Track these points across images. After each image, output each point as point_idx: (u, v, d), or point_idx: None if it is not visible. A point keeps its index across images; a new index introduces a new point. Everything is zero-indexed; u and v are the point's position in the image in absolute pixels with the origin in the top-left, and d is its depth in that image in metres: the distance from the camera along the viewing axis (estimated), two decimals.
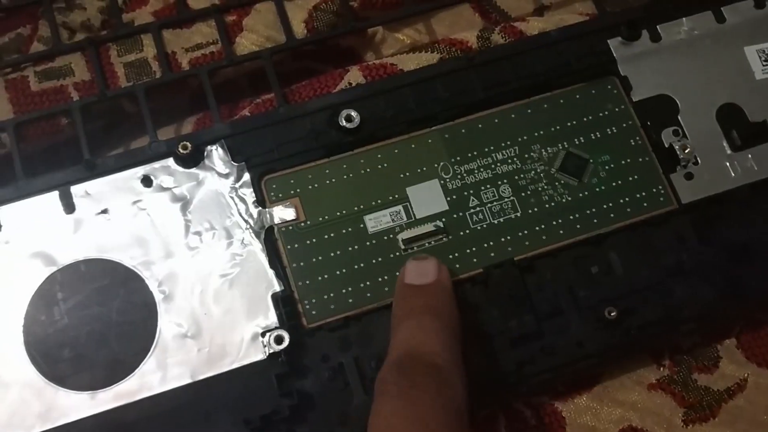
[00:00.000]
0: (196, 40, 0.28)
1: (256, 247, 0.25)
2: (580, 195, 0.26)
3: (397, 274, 0.25)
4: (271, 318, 0.25)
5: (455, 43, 0.28)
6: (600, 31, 0.28)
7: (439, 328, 0.22)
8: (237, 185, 0.26)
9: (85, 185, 0.26)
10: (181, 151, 0.26)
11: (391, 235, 0.26)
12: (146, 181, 0.26)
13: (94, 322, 0.25)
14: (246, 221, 0.26)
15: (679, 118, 0.27)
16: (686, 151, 0.27)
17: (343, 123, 0.26)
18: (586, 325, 0.25)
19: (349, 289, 0.25)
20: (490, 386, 0.24)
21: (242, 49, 0.28)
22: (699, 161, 0.27)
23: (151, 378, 0.24)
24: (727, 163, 0.27)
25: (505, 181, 0.26)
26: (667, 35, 0.28)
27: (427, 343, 0.21)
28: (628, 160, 0.27)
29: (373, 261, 0.25)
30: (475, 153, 0.27)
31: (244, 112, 0.28)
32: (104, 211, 0.26)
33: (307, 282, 0.25)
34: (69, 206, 0.26)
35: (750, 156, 0.27)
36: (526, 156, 0.27)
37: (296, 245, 0.25)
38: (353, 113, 0.26)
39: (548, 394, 0.26)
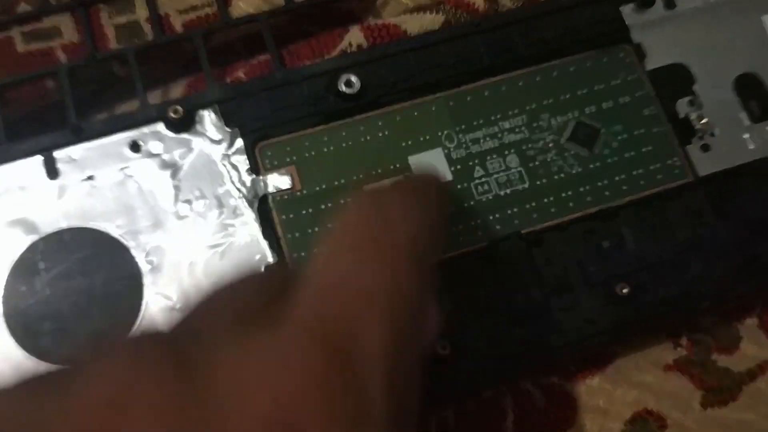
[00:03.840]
0: (191, 2, 0.27)
1: (249, 216, 0.24)
2: (591, 166, 0.25)
3: None
4: None
5: (461, 4, 0.27)
6: None
7: None
8: (230, 152, 0.25)
9: (70, 150, 0.25)
10: (173, 115, 0.24)
11: None
12: (134, 146, 0.25)
13: (77, 293, 0.23)
14: (239, 189, 0.24)
15: (694, 88, 0.26)
16: (702, 122, 0.25)
17: (343, 88, 0.25)
18: (596, 302, 0.24)
19: None
20: (494, 364, 0.23)
21: (238, 11, 0.27)
22: (716, 133, 0.26)
23: None
24: (746, 135, 0.26)
25: (512, 150, 0.25)
26: (681, 2, 0.27)
27: None
28: (642, 131, 0.26)
29: None
30: (480, 121, 0.25)
31: (239, 74, 0.27)
32: (90, 178, 0.25)
33: (302, 254, 0.24)
34: (52, 172, 0.24)
35: None
36: (535, 125, 0.25)
37: (291, 215, 0.24)
38: (353, 78, 0.25)
39: (558, 374, 0.25)
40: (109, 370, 0.13)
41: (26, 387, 0.14)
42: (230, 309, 0.16)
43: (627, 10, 0.27)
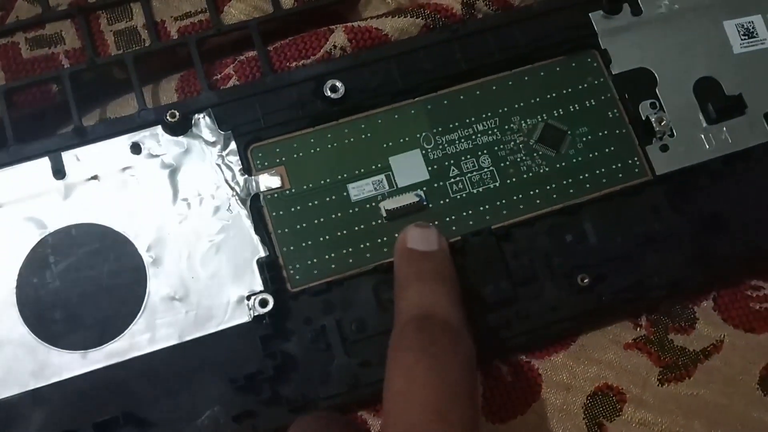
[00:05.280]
0: (185, 9, 0.29)
1: (242, 213, 0.26)
2: (558, 166, 0.27)
3: (380, 240, 0.26)
4: (256, 282, 0.25)
5: (440, 9, 0.28)
6: (582, 4, 0.29)
7: (448, 291, 0.23)
8: (224, 153, 0.27)
9: (76, 151, 0.26)
10: (169, 119, 0.26)
11: (374, 204, 0.26)
12: (135, 148, 0.27)
13: (85, 284, 0.25)
14: (232, 188, 0.26)
15: (656, 91, 0.28)
16: (662, 124, 0.27)
17: (328, 93, 0.27)
18: (559, 291, 0.26)
19: (332, 254, 0.26)
20: None
21: (230, 18, 0.28)
22: (675, 133, 0.28)
23: (141, 338, 0.25)
24: (702, 136, 0.28)
25: (485, 151, 0.27)
26: (647, 9, 0.29)
27: (440, 304, 0.22)
28: (605, 132, 0.27)
29: (356, 228, 0.26)
30: (456, 124, 0.27)
31: (228, 70, 0.28)
32: (94, 177, 0.26)
33: (292, 248, 0.26)
34: (60, 172, 0.26)
35: (725, 129, 0.28)
36: (506, 127, 0.27)
37: (281, 212, 0.26)
38: (338, 84, 0.27)
39: (525, 352, 0.26)
40: None
41: None
42: None
43: (596, 17, 0.29)
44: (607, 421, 0.26)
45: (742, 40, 0.29)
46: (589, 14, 0.28)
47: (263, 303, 0.25)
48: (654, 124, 0.27)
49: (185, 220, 0.26)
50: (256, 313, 0.25)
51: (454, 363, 0.20)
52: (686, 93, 0.28)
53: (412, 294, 0.23)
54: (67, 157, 0.26)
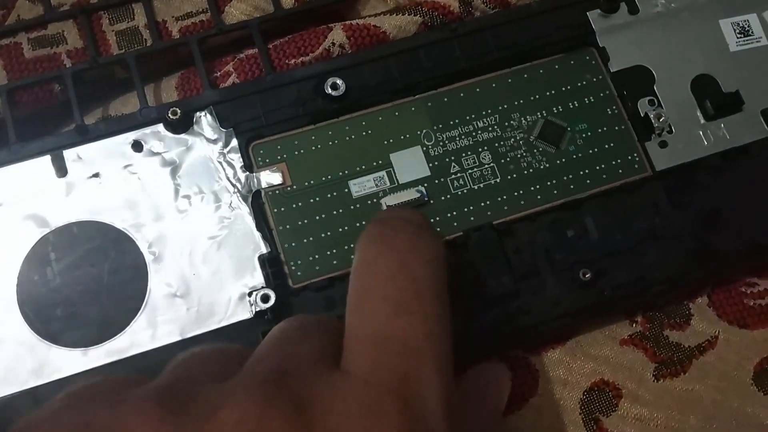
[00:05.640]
0: (186, 9, 0.29)
1: (244, 210, 0.26)
2: (558, 162, 0.27)
3: None
4: (258, 278, 0.25)
5: (438, 7, 0.29)
6: (580, 3, 0.29)
7: None
8: (225, 150, 0.27)
9: (77, 149, 0.26)
10: (171, 117, 0.26)
11: (375, 200, 0.26)
12: (137, 146, 0.27)
13: (86, 281, 0.25)
14: (234, 185, 0.26)
15: (655, 88, 0.28)
16: (661, 120, 0.28)
17: (329, 91, 0.27)
18: (561, 286, 0.26)
19: (334, 251, 0.26)
20: (468, 343, 0.25)
21: (231, 18, 0.29)
22: (673, 130, 0.28)
23: (142, 335, 0.25)
24: (700, 132, 0.28)
25: (485, 148, 0.27)
26: (644, 8, 0.29)
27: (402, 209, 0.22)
28: (605, 129, 0.28)
29: (357, 224, 0.26)
30: (456, 121, 0.28)
31: (228, 68, 0.28)
32: (96, 175, 0.26)
33: (293, 244, 0.26)
34: (61, 170, 0.26)
35: (722, 125, 0.28)
36: (506, 124, 0.28)
37: (283, 209, 0.26)
38: (339, 81, 0.27)
39: (527, 346, 0.27)
40: (243, 414, 0.15)
41: (165, 407, 0.15)
42: (305, 350, 0.17)
43: (594, 15, 0.29)
44: (603, 417, 0.26)
45: (738, 38, 0.29)
46: (587, 13, 0.29)
47: (265, 298, 0.25)
48: (653, 121, 0.28)
49: (186, 217, 0.26)
50: (257, 309, 0.25)
51: (419, 258, 0.19)
52: (684, 90, 0.28)
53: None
54: (69, 155, 0.26)
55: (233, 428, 0.15)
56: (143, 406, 0.15)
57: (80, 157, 0.26)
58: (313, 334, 0.18)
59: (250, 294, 0.25)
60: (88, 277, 0.25)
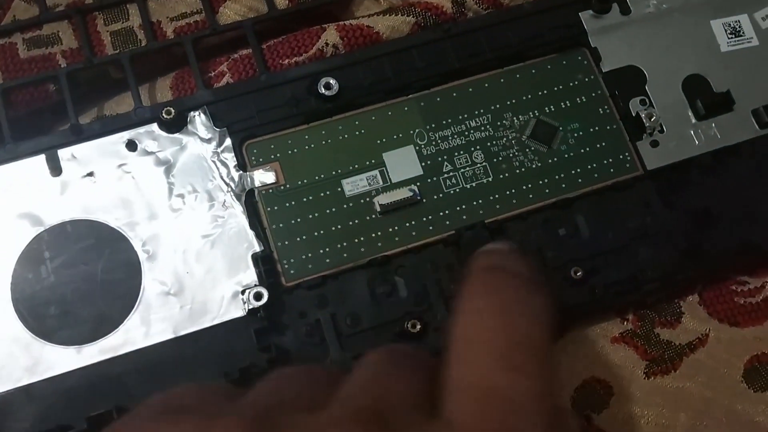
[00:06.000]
0: (181, 10, 0.29)
1: (237, 209, 0.26)
2: (550, 161, 0.27)
3: (374, 235, 0.26)
4: (251, 277, 0.26)
5: (431, 7, 0.29)
6: (572, 3, 0.29)
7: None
8: (219, 150, 0.27)
9: (72, 149, 0.27)
10: (165, 116, 0.26)
11: (368, 199, 0.27)
12: (131, 145, 0.27)
13: (80, 280, 0.25)
14: (227, 184, 0.27)
15: (646, 88, 0.28)
16: (652, 120, 0.28)
17: (323, 91, 0.27)
18: (553, 285, 0.26)
19: (327, 249, 0.26)
20: None
21: (225, 18, 0.29)
22: (664, 129, 0.28)
23: (135, 333, 0.25)
24: (692, 132, 0.28)
25: (477, 147, 0.27)
26: (636, 8, 0.29)
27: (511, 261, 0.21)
28: (597, 128, 0.28)
29: (350, 223, 0.26)
30: (449, 120, 0.28)
31: (222, 68, 0.28)
32: (90, 174, 0.27)
33: (286, 242, 0.26)
34: (56, 169, 0.26)
35: (713, 125, 0.28)
36: (499, 123, 0.28)
37: (276, 207, 0.26)
38: (332, 81, 0.27)
39: None
40: None
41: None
42: (401, 388, 0.17)
43: (586, 16, 0.29)
44: (594, 414, 0.26)
45: (729, 38, 0.29)
46: (579, 13, 0.29)
47: (258, 296, 0.25)
48: (644, 120, 0.28)
49: (180, 215, 0.26)
50: (250, 307, 0.25)
51: (529, 314, 0.18)
52: (675, 90, 0.29)
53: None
54: (63, 154, 0.26)
55: None
56: (236, 430, 0.15)
57: (75, 156, 0.27)
58: (407, 371, 0.18)
59: (243, 292, 0.25)
60: (82, 276, 0.25)
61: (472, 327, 0.18)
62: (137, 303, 0.25)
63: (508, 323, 0.18)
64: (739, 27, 0.29)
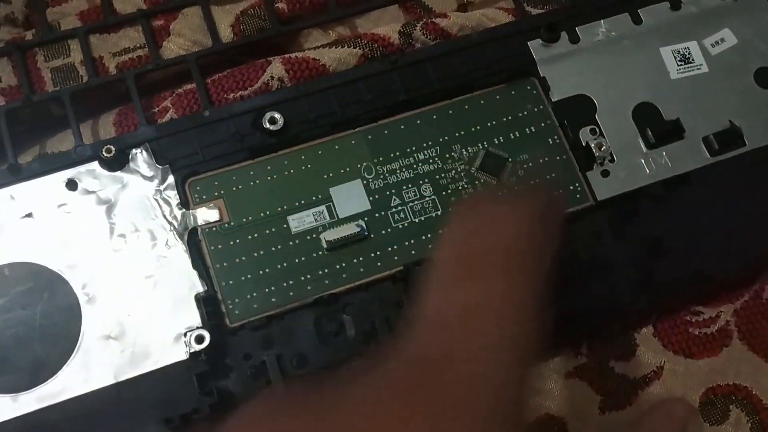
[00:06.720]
0: (124, 45, 0.29)
1: (180, 248, 0.26)
2: (500, 194, 0.27)
3: (320, 272, 0.26)
4: (194, 318, 0.25)
5: (377, 39, 0.28)
6: (520, 33, 0.29)
7: None
8: (161, 188, 0.26)
9: (10, 189, 0.26)
10: (105, 154, 0.26)
11: (314, 235, 0.26)
12: (71, 184, 0.26)
13: (17, 325, 0.25)
14: (170, 223, 0.26)
15: (596, 117, 0.28)
16: (602, 149, 0.27)
17: (267, 125, 0.27)
18: None
19: (272, 288, 0.25)
20: None
21: (169, 53, 0.28)
22: (615, 159, 0.28)
23: (74, 379, 0.24)
24: (642, 161, 0.28)
25: (426, 180, 0.27)
26: (585, 37, 0.29)
27: None
28: (546, 159, 0.28)
29: (296, 260, 0.26)
30: (397, 153, 0.27)
31: (166, 103, 0.28)
32: (29, 215, 0.26)
33: (231, 282, 0.25)
34: None
35: (664, 153, 0.28)
36: (447, 156, 0.27)
37: (220, 246, 0.26)
38: (277, 115, 0.27)
39: None
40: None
41: None
42: None
43: (535, 45, 0.29)
44: None
45: (678, 65, 0.29)
46: (528, 43, 0.29)
47: (199, 339, 0.24)
48: (594, 150, 0.27)
49: (122, 256, 0.26)
50: (192, 350, 0.24)
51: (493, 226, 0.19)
52: (625, 119, 0.28)
53: None
54: (1, 194, 0.26)
55: None
56: None
57: (13, 197, 0.26)
58: None
59: (185, 334, 0.25)
60: (20, 321, 0.25)
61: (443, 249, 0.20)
62: (77, 348, 0.25)
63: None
64: (689, 54, 0.29)
